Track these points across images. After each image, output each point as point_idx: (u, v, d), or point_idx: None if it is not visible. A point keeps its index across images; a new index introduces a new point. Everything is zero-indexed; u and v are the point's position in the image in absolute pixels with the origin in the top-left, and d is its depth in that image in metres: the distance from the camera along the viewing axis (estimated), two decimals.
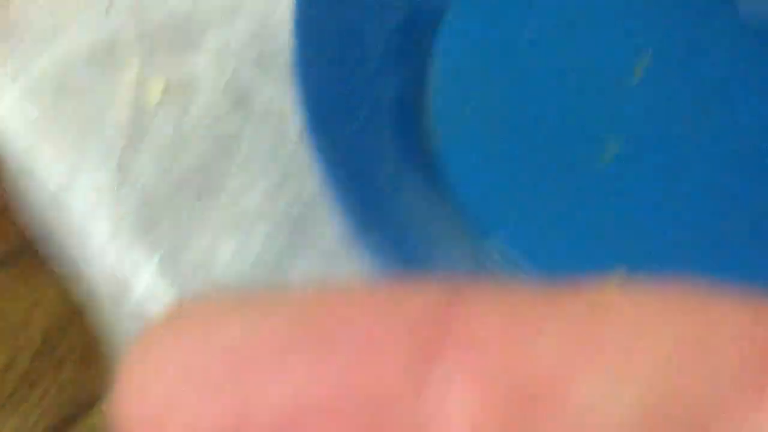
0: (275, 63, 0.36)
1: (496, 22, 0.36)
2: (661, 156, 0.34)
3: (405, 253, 0.30)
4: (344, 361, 0.09)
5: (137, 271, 0.32)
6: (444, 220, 0.32)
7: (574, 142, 0.34)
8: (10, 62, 0.37)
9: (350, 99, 0.34)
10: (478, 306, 0.09)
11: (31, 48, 0.37)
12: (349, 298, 0.09)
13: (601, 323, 0.09)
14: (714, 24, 0.36)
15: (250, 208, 0.33)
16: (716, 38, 0.35)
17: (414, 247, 0.31)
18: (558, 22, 0.36)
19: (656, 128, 0.34)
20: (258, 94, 0.36)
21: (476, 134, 0.34)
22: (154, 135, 0.35)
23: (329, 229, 0.32)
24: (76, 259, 0.38)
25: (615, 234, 0.32)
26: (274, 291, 0.10)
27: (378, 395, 0.09)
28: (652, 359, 0.09)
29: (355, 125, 0.33)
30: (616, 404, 0.08)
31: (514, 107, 0.35)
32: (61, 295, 0.95)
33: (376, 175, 0.32)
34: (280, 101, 0.35)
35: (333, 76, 0.34)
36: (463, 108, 0.34)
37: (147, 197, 0.34)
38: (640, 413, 0.08)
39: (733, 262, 0.31)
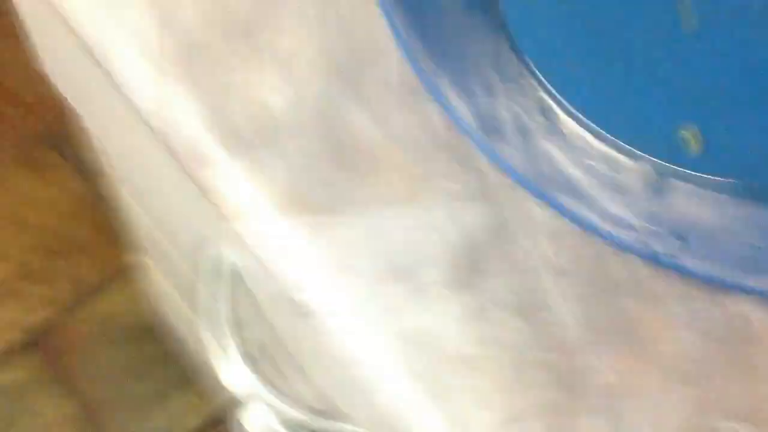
0: None
1: None
2: (733, 25, 0.32)
3: (469, 96, 0.29)
4: None
5: (184, 117, 0.31)
6: (510, 72, 0.31)
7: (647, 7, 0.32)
8: None
9: None
10: None
11: None
12: None
13: None
14: None
15: (304, 57, 0.32)
16: None
17: (478, 91, 0.29)
18: None
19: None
20: None
21: None
22: None
23: (387, 78, 0.31)
24: (117, 110, 0.36)
25: (684, 93, 0.31)
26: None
27: None
28: None
29: None
30: None
31: None
32: (69, 191, 0.94)
33: (441, 19, 0.30)
34: None
35: None
36: None
37: (192, 42, 0.32)
38: None
39: None
